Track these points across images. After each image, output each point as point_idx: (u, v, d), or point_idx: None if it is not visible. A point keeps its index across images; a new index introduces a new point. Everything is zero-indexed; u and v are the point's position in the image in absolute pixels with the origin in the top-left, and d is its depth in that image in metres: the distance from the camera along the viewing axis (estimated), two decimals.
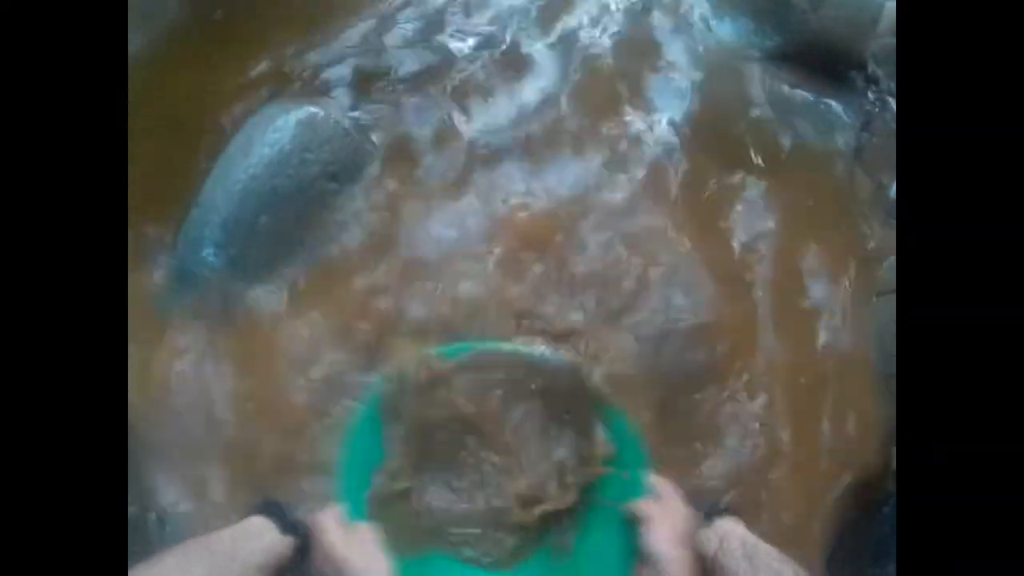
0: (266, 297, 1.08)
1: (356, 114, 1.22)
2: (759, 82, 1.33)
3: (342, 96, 1.24)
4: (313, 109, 1.14)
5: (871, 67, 1.33)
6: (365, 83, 1.26)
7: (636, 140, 1.25)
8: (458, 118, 1.24)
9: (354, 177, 1.16)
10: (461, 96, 1.26)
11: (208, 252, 1.06)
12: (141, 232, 1.11)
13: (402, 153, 1.20)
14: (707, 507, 0.92)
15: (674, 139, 1.25)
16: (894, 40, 1.31)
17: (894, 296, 1.14)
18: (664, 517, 0.83)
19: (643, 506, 0.84)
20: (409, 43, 1.30)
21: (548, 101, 1.27)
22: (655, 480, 0.88)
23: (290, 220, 1.10)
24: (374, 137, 1.21)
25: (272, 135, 1.09)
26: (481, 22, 1.34)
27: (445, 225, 1.14)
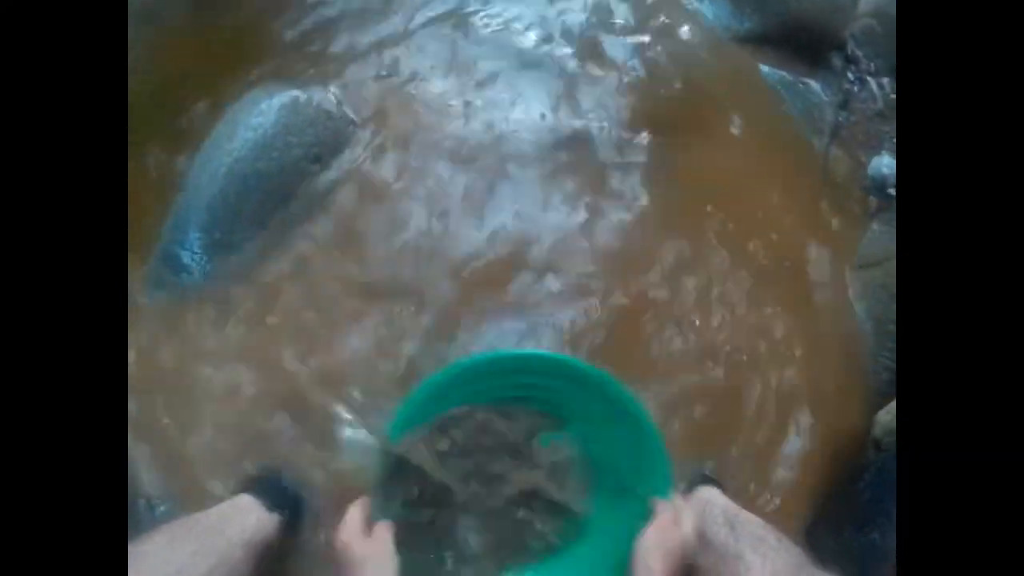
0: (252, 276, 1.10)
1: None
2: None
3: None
4: (295, 92, 1.15)
5: (850, 47, 1.34)
6: None
7: None
8: None
9: (337, 158, 1.18)
10: None
11: (193, 235, 1.08)
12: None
13: None
14: (688, 477, 0.94)
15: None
16: (873, 21, 1.33)
17: (872, 269, 1.18)
18: (661, 533, 0.72)
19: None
20: None
21: None
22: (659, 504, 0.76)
23: (274, 201, 1.12)
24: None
25: (255, 119, 1.11)
26: None
27: None
